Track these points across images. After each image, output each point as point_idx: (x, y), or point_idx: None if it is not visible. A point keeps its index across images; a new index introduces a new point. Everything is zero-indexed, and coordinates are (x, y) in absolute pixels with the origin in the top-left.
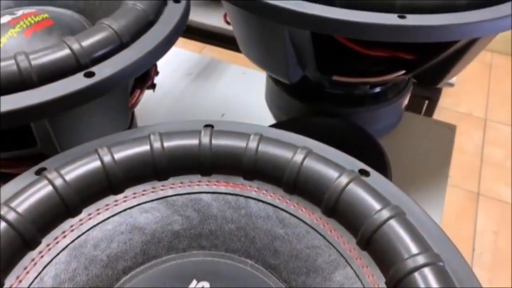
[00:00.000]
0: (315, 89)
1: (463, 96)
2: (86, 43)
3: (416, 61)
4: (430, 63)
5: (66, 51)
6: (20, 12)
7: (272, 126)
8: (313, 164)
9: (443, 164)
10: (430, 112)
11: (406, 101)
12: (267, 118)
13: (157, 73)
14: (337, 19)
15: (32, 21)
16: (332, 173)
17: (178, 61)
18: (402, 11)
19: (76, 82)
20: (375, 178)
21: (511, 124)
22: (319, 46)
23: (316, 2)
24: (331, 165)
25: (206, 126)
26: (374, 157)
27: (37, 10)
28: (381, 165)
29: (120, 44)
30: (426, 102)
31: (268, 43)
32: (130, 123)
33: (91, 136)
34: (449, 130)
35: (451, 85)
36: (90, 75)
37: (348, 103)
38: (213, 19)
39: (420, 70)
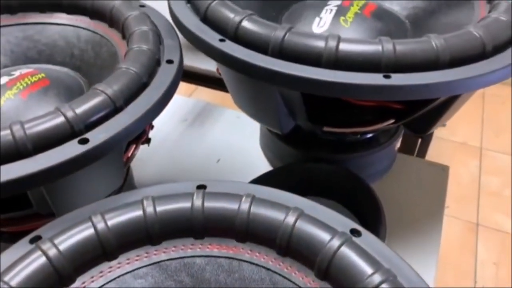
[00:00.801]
0: (308, 136)
1: (457, 125)
2: (80, 109)
3: (405, 111)
4: (419, 113)
5: (60, 119)
6: (17, 73)
7: (267, 173)
8: (305, 226)
9: (438, 205)
10: (423, 150)
11: (398, 144)
12: (262, 163)
13: (152, 127)
14: (324, 81)
15: (29, 82)
16: (323, 236)
17: (174, 107)
18: (387, 69)
19: (70, 150)
20: (367, 238)
21: (506, 152)
22: (309, 99)
23: (303, 63)
24: (322, 227)
25: (199, 187)
26: (367, 203)
27: (34, 70)
28: (374, 211)
29: (114, 108)
30: (419, 140)
31: (259, 99)
32: (126, 174)
33: (86, 195)
34: (442, 171)
35: (444, 125)
36: (84, 141)
37: (341, 149)
38: (206, 63)
39: (410, 119)
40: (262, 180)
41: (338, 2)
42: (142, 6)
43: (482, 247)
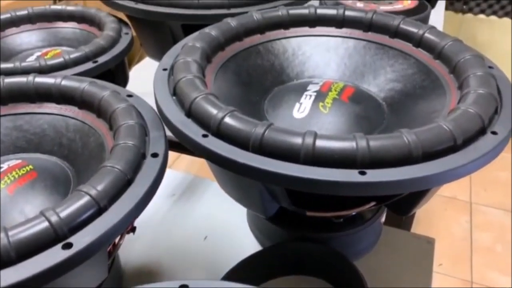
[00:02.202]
0: (293, 216)
1: None
2: (65, 213)
3: (385, 195)
4: (399, 197)
5: (44, 224)
6: (5, 166)
7: (255, 255)
8: None
9: (424, 278)
10: (409, 220)
11: (383, 218)
12: (250, 241)
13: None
14: (302, 178)
15: (17, 175)
16: None
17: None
18: (363, 165)
19: (54, 256)
20: None
21: (496, 206)
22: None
23: (283, 159)
24: None
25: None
26: (353, 281)
27: (22, 161)
28: None
29: (98, 209)
30: None
31: (242, 188)
32: (112, 260)
33: None
34: (428, 244)
35: None
36: (68, 246)
37: (327, 228)
38: None
39: (390, 201)
40: (251, 261)
41: (317, 88)
42: (130, 95)
43: None
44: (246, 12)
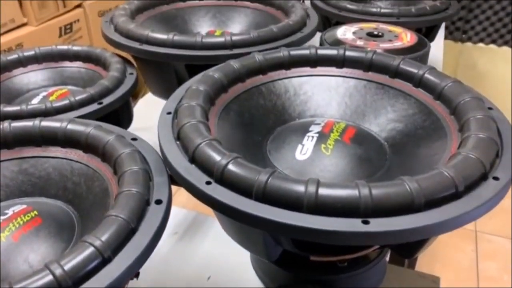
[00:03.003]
0: (297, 259)
1: None
2: (69, 266)
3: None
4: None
5: (49, 278)
6: (10, 211)
7: None
8: None
9: None
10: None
11: (387, 258)
12: (254, 281)
13: None
14: (305, 228)
15: (21, 222)
16: None
17: None
18: (366, 214)
19: None
20: None
21: (501, 235)
22: None
23: (286, 207)
24: None
25: None
26: None
27: (27, 207)
28: None
29: (102, 260)
30: None
31: (245, 233)
32: None
33: None
34: (433, 282)
35: None
36: None
37: (331, 271)
38: None
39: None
40: None
41: (319, 128)
42: (134, 139)
43: None
44: (249, 53)
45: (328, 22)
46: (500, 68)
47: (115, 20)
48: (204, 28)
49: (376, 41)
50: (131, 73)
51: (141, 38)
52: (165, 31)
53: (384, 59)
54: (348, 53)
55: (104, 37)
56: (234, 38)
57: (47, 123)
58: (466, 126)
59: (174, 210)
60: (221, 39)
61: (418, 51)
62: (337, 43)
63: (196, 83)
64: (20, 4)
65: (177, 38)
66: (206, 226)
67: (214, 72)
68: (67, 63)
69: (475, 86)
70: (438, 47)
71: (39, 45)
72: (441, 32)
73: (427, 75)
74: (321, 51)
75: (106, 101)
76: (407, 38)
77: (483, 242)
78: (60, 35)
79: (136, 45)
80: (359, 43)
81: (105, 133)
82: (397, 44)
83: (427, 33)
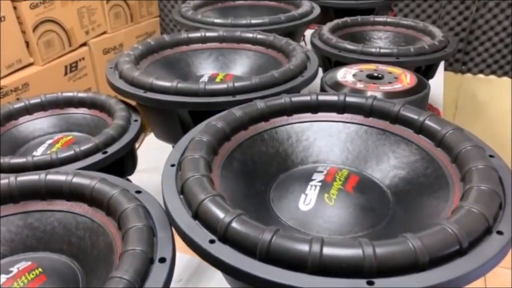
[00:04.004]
0: None
1: None
2: None
3: None
4: None
5: None
6: (15, 269)
7: None
8: None
9: None
10: None
11: None
12: None
13: None
14: None
15: (26, 280)
16: None
17: None
18: (370, 274)
19: None
20: None
21: (508, 267)
22: None
23: (290, 267)
24: None
25: None
26: None
27: (32, 263)
28: None
29: None
30: None
31: None
32: None
33: None
34: None
35: None
36: None
37: None
38: None
39: None
40: None
41: (322, 177)
42: (138, 192)
43: None
44: (251, 99)
45: (329, 61)
46: (501, 98)
47: (119, 66)
48: (207, 70)
49: (376, 84)
50: (136, 120)
51: (145, 85)
52: (169, 76)
53: (384, 105)
54: (348, 99)
55: (109, 84)
56: (236, 84)
57: (53, 176)
58: (468, 177)
59: (178, 255)
60: (224, 86)
61: (418, 93)
62: (337, 85)
63: (199, 134)
64: (27, 45)
65: (181, 85)
66: (210, 273)
67: (217, 121)
68: (72, 110)
69: (475, 117)
70: (438, 82)
71: (45, 84)
72: (441, 67)
73: (427, 122)
74: (322, 97)
75: (111, 150)
76: (407, 79)
77: (490, 275)
78: (66, 73)
79: (140, 92)
80: (359, 85)
81: (110, 186)
82: (397, 86)
83: (426, 70)
